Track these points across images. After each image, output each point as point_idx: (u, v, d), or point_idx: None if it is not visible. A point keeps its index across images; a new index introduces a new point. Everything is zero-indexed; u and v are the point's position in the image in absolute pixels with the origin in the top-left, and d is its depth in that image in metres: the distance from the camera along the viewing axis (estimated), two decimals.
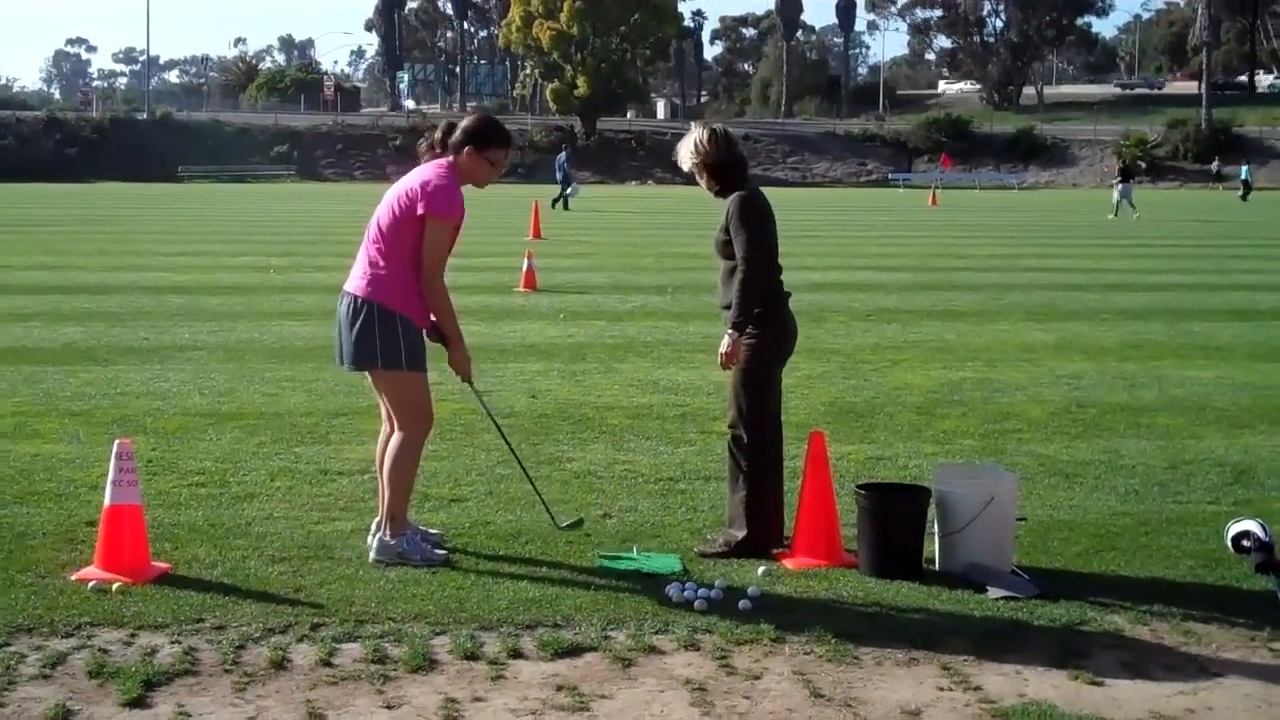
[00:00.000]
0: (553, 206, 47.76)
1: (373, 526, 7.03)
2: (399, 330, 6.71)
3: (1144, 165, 58.21)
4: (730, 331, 6.99)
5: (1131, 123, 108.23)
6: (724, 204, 7.10)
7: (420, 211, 6.67)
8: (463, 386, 7.26)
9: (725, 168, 7.11)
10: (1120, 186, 50.17)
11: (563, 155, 53.96)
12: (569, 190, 49.46)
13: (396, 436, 6.90)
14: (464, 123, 6.96)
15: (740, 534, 7.01)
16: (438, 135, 6.94)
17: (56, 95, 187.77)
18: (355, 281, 6.82)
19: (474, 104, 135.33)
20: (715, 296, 7.35)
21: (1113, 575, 6.77)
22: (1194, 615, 6.15)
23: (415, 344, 6.79)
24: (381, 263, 6.75)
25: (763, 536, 7.02)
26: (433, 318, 6.89)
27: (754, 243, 6.94)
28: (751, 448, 7.07)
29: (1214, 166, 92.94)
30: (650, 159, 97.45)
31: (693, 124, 7.34)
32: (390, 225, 6.76)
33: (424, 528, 7.21)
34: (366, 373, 6.92)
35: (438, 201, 6.68)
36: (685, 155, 7.15)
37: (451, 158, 6.87)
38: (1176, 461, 9.31)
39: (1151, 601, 6.30)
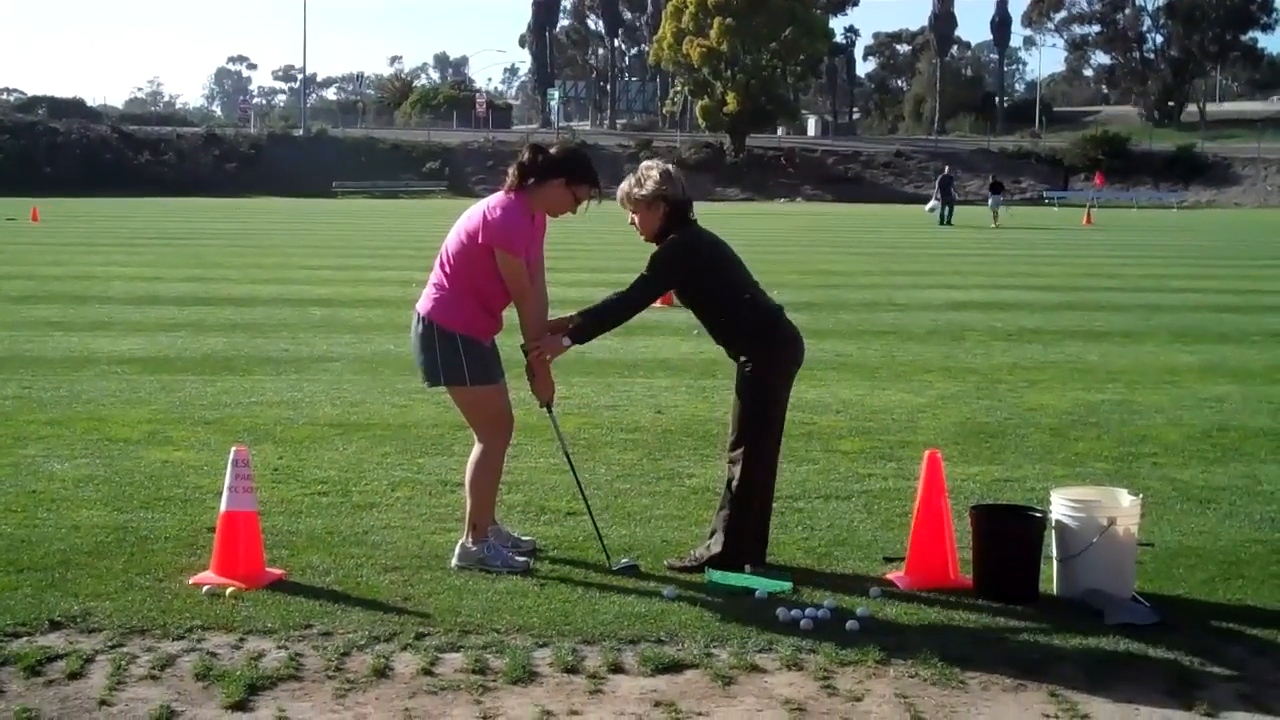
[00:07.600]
0: (941, 223, 53.33)
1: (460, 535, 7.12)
2: (459, 348, 6.81)
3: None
4: (565, 338, 6.92)
5: None
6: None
7: (481, 241, 6.78)
8: (541, 411, 7.32)
9: (669, 203, 6.92)
10: (992, 199, 56.70)
11: (945, 172, 60.06)
12: (945, 208, 54.46)
13: (476, 448, 7.00)
14: (556, 151, 6.98)
15: (717, 549, 6.91)
16: (524, 158, 6.95)
17: (218, 112, 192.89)
18: (422, 300, 6.98)
19: (624, 121, 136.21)
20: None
21: (1239, 604, 6.55)
22: None
23: (479, 359, 6.86)
24: (445, 284, 6.90)
25: (736, 555, 6.91)
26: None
27: (648, 284, 6.92)
28: (745, 467, 6.93)
29: None
30: (800, 175, 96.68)
31: (644, 160, 7.19)
32: (455, 250, 6.90)
33: (518, 535, 7.30)
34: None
35: (497, 234, 6.76)
36: (625, 191, 6.98)
37: (528, 184, 6.89)
38: None
39: (1277, 632, 6.08)
